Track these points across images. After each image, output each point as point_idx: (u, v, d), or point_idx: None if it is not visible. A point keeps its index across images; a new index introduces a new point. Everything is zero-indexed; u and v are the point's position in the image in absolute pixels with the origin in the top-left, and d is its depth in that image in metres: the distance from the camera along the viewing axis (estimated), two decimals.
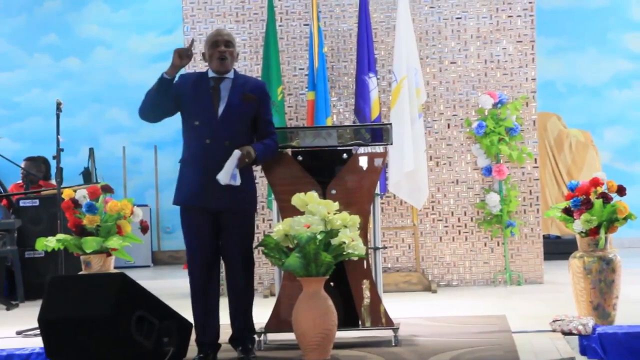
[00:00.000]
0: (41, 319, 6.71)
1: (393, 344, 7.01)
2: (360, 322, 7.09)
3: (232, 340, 6.86)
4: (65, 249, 8.49)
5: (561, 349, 6.92)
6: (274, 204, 7.30)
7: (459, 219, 10.65)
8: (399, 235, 10.67)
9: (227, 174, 6.47)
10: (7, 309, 10.11)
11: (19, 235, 10.63)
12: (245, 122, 6.74)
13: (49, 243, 8.38)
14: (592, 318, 7.56)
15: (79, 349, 6.59)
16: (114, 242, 8.28)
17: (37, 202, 10.99)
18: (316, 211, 6.57)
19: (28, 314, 8.36)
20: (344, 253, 6.57)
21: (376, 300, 7.10)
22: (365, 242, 6.94)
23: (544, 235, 10.97)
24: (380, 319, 7.10)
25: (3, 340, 7.97)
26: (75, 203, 8.42)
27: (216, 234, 6.76)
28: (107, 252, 8.29)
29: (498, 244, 10.60)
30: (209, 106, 6.68)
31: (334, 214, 6.61)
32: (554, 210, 8.17)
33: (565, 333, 7.40)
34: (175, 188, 6.85)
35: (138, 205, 8.65)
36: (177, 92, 6.72)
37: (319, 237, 6.47)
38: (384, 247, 8.18)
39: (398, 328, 7.11)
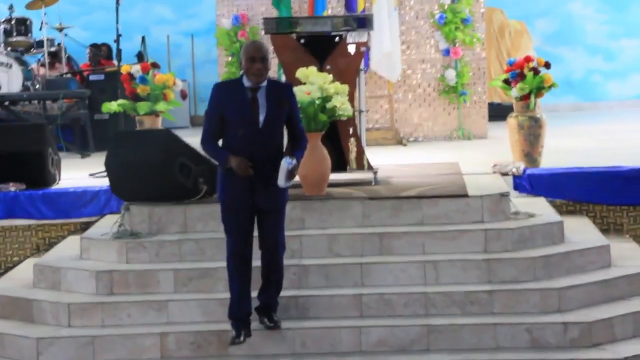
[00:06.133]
0: (107, 164, 6.74)
1: (373, 184, 7.02)
2: (348, 167, 7.09)
3: (259, 310, 5.82)
4: (124, 111, 8.49)
5: (499, 185, 6.97)
6: (283, 77, 7.22)
7: (424, 90, 10.55)
8: (378, 102, 10.57)
9: (282, 180, 5.51)
10: (82, 157, 10.10)
11: (89, 102, 10.57)
12: (282, 125, 5.74)
13: (112, 107, 8.39)
14: (523, 163, 7.59)
15: (135, 187, 6.62)
16: (161, 105, 8.30)
17: (102, 77, 10.94)
18: (315, 81, 6.49)
19: (97, 161, 8.36)
20: (336, 114, 6.53)
21: (360, 150, 7.09)
22: (353, 106, 6.87)
23: (489, 102, 10.92)
24: (363, 164, 7.09)
25: (79, 180, 8.01)
26: (131, 76, 8.39)
27: (252, 226, 5.66)
28: (155, 113, 8.30)
29: (454, 109, 10.52)
30: (251, 117, 5.54)
31: (329, 84, 6.54)
32: (496, 81, 8.13)
33: (503, 174, 7.45)
34: (219, 184, 5.68)
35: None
36: (219, 113, 5.57)
37: (317, 101, 6.43)
38: (367, 111, 8.09)
39: (377, 172, 7.10)
